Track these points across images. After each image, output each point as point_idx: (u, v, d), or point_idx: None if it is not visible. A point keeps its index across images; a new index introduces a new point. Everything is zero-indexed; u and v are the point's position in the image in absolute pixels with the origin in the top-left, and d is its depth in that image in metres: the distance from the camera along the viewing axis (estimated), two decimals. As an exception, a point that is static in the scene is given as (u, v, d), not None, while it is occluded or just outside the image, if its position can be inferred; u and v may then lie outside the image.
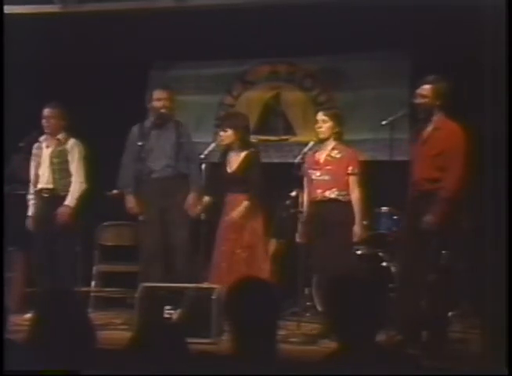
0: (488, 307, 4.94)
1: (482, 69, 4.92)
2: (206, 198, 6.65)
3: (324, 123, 6.25)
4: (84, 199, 7.00)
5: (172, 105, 6.94)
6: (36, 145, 7.07)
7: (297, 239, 6.32)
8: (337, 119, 6.29)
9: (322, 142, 6.30)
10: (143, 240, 6.91)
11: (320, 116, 6.31)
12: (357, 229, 6.11)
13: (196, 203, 6.66)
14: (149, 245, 6.81)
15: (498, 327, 4.69)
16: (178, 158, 6.82)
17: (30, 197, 7.07)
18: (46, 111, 6.98)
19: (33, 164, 7.04)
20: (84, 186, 6.99)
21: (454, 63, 6.61)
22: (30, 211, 7.04)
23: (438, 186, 5.53)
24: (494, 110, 4.84)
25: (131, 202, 6.87)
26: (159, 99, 6.88)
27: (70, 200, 6.91)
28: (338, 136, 6.27)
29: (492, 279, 4.88)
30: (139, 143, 6.87)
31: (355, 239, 6.12)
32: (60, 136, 7.04)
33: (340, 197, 6.16)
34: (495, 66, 4.83)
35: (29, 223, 7.00)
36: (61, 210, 6.89)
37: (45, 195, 6.99)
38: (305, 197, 6.37)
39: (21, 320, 4.74)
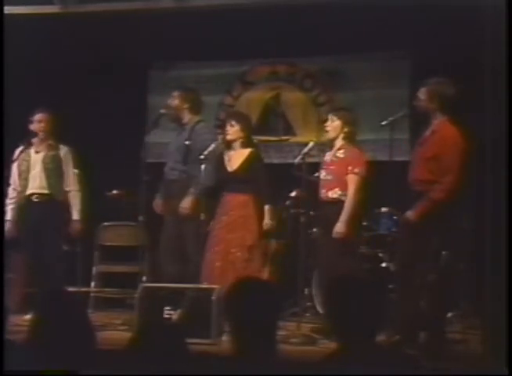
0: (488, 307, 4.95)
1: (482, 69, 4.94)
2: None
3: (332, 122, 6.22)
4: (83, 207, 6.99)
5: (184, 105, 6.86)
6: (21, 149, 6.92)
7: (312, 236, 6.27)
8: (346, 119, 6.24)
9: (329, 141, 6.28)
10: (154, 240, 6.94)
11: (329, 115, 6.30)
12: (338, 226, 6.00)
13: (190, 206, 6.61)
14: (161, 245, 6.84)
15: (498, 327, 4.69)
16: (187, 161, 6.75)
17: (11, 201, 6.95)
18: (37, 116, 6.91)
19: (20, 169, 6.92)
20: (79, 194, 6.97)
21: (454, 63, 6.60)
22: (11, 216, 6.92)
23: (429, 188, 5.53)
24: (494, 109, 4.85)
25: (157, 201, 6.93)
26: (171, 99, 6.90)
27: (77, 215, 6.92)
28: (347, 136, 6.21)
29: (491, 279, 4.88)
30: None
31: (335, 236, 6.00)
32: (51, 141, 6.99)
33: (343, 198, 6.12)
34: (495, 66, 4.85)
35: (9, 229, 6.88)
36: (74, 226, 6.91)
37: (36, 199, 6.91)
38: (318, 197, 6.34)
39: (21, 321, 4.73)
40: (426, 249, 5.50)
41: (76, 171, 7.02)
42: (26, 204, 6.93)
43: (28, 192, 6.92)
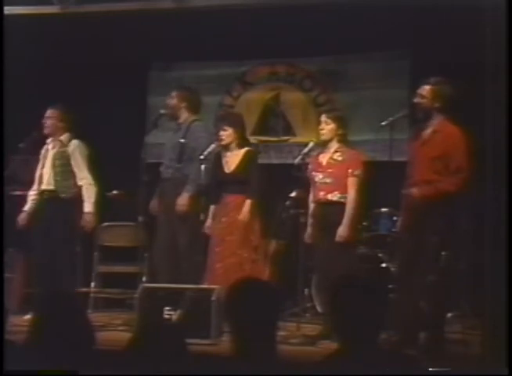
0: (488, 307, 4.93)
1: (482, 69, 4.93)
2: (212, 207, 6.63)
3: (326, 125, 6.21)
4: (97, 201, 6.94)
5: (182, 104, 6.84)
6: (45, 146, 7.03)
7: (305, 239, 6.24)
8: (340, 121, 6.25)
9: (324, 144, 6.27)
10: (151, 240, 6.93)
11: (323, 118, 6.28)
12: (341, 229, 6.03)
13: (187, 203, 6.61)
14: (156, 245, 6.82)
15: (498, 327, 4.67)
16: (182, 159, 6.76)
17: (32, 193, 7.01)
18: (48, 112, 6.93)
19: (39, 165, 7.00)
20: (94, 188, 6.91)
21: (454, 63, 6.58)
22: (28, 207, 6.98)
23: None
24: (494, 110, 4.84)
25: (153, 202, 6.89)
26: (169, 98, 6.89)
27: (90, 206, 6.85)
28: (342, 138, 6.22)
29: (491, 279, 4.87)
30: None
31: (338, 239, 6.01)
32: (63, 138, 6.99)
33: (343, 200, 6.11)
34: (496, 66, 4.84)
35: (23, 219, 6.93)
36: (85, 218, 6.83)
37: (46, 196, 6.94)
38: (310, 199, 6.32)
39: (20, 321, 4.72)
40: (426, 249, 5.48)
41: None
42: (38, 201, 6.99)
43: (41, 188, 6.97)
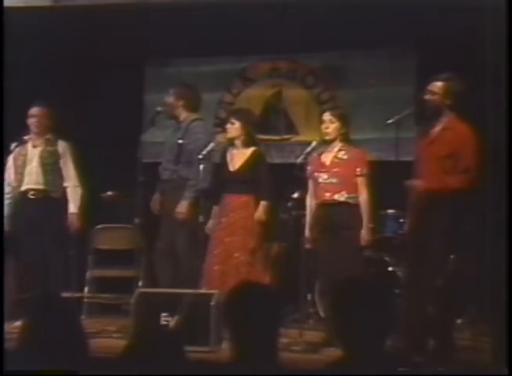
0: (494, 313, 4.89)
1: (483, 69, 4.93)
2: (214, 207, 6.57)
3: (331, 123, 6.14)
4: (83, 203, 6.93)
5: (179, 102, 6.76)
6: (17, 143, 6.86)
7: (305, 245, 6.18)
8: (344, 119, 6.21)
9: (327, 143, 6.20)
10: (148, 243, 6.90)
11: (327, 116, 6.21)
12: (364, 233, 6.01)
13: (186, 211, 6.55)
14: (154, 248, 6.78)
15: (501, 331, 4.64)
16: (179, 161, 6.69)
17: (6, 197, 6.86)
18: (34, 110, 6.85)
19: (16, 164, 6.86)
20: (80, 190, 6.89)
21: (456, 63, 6.53)
22: (6, 212, 6.81)
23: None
24: (495, 110, 4.84)
25: (154, 201, 6.86)
26: (167, 96, 6.83)
27: (74, 207, 6.83)
28: (345, 137, 6.17)
29: (493, 281, 4.87)
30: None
31: (363, 243, 6.01)
32: (49, 136, 6.92)
33: (350, 200, 6.05)
34: (496, 65, 4.85)
35: (6, 225, 6.76)
36: (71, 218, 6.80)
37: (32, 196, 6.81)
38: (310, 201, 6.26)
39: (11, 328, 4.66)
40: (433, 252, 5.42)
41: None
42: (21, 201, 6.84)
43: (23, 188, 6.84)
